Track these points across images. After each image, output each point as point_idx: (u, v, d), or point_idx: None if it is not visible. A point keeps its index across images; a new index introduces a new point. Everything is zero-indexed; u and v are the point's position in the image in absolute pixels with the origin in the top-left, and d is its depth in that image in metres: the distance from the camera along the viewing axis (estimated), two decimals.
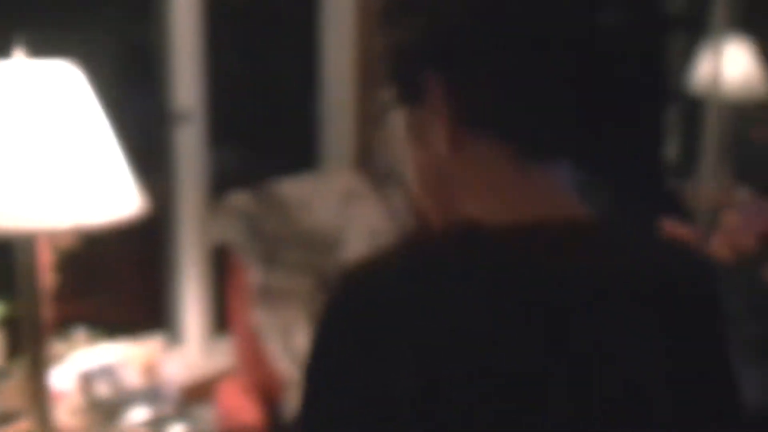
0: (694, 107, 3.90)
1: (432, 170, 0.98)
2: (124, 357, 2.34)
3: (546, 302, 0.86)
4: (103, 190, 1.88)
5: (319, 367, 0.90)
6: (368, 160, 3.40)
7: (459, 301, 0.84)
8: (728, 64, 3.47)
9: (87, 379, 2.23)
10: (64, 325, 2.39)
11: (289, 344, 2.71)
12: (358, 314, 0.89)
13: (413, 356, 0.83)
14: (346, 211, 2.94)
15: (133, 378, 2.32)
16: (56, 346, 2.30)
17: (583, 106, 0.93)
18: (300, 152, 3.57)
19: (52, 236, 2.00)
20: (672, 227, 2.96)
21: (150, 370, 2.34)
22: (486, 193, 0.95)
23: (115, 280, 3.08)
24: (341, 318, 0.91)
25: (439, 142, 0.94)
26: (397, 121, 1.02)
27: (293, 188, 2.90)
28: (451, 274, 0.86)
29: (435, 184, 0.99)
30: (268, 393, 2.71)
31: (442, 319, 0.84)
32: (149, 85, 2.97)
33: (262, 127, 3.57)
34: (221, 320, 3.04)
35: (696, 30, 4.09)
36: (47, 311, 2.02)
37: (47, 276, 2.02)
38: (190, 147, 2.90)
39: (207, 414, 2.53)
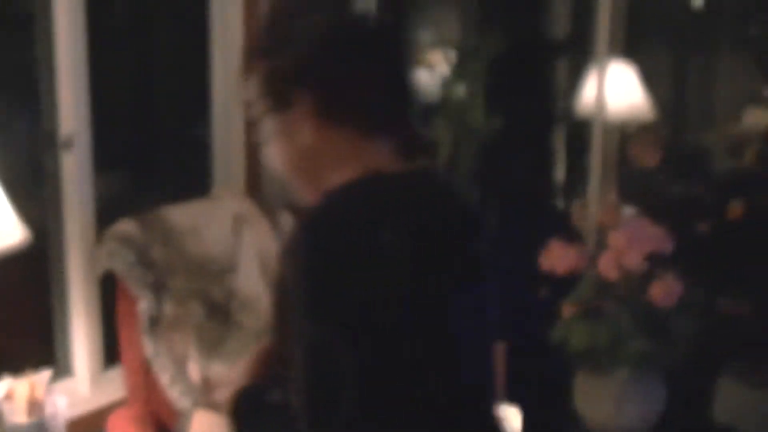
0: (579, 129, 3.99)
1: (299, 157, 1.45)
2: (8, 393, 2.25)
3: (415, 209, 1.45)
4: None
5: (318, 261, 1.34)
6: (258, 185, 3.39)
7: (383, 209, 1.41)
8: (612, 88, 3.57)
9: None
10: None
11: (180, 372, 2.66)
12: (328, 224, 1.37)
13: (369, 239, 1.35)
14: (236, 236, 2.91)
15: (17, 415, 2.23)
16: None
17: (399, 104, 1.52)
18: (189, 177, 3.52)
19: None
20: (561, 248, 3.02)
21: (35, 406, 2.25)
22: (342, 162, 1.43)
23: None
24: (319, 229, 1.37)
25: (304, 135, 1.42)
26: (267, 127, 1.46)
27: (182, 214, 2.85)
28: (371, 196, 1.42)
29: (303, 167, 1.46)
30: (159, 423, 2.65)
31: (376, 218, 1.38)
32: (31, 108, 2.89)
33: (150, 152, 3.51)
34: (111, 350, 2.96)
35: (580, 55, 4.21)
36: None
37: None
38: (74, 173, 2.82)
39: None
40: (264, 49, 1.45)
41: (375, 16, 1.50)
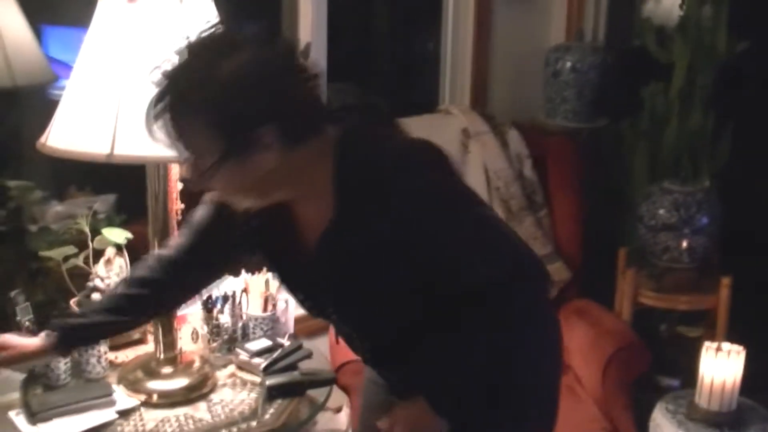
0: None
1: (267, 182, 1.52)
2: (246, 288, 2.38)
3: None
4: None
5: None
6: (484, 101, 3.39)
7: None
8: None
9: (209, 307, 2.28)
10: None
11: None
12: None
13: None
14: (464, 150, 2.92)
15: (253, 308, 2.36)
16: None
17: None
18: (418, 91, 3.56)
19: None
20: None
21: (269, 301, 2.37)
22: (307, 168, 1.54)
23: None
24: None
25: (268, 163, 1.48)
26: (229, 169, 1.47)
27: (412, 127, 2.86)
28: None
29: (262, 189, 1.54)
30: None
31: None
32: (271, 16, 2.98)
33: (379, 66, 3.56)
34: None
35: None
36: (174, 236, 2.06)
37: (175, 202, 2.06)
38: None
39: (321, 345, 2.57)
40: (211, 102, 1.44)
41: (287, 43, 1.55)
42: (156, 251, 1.93)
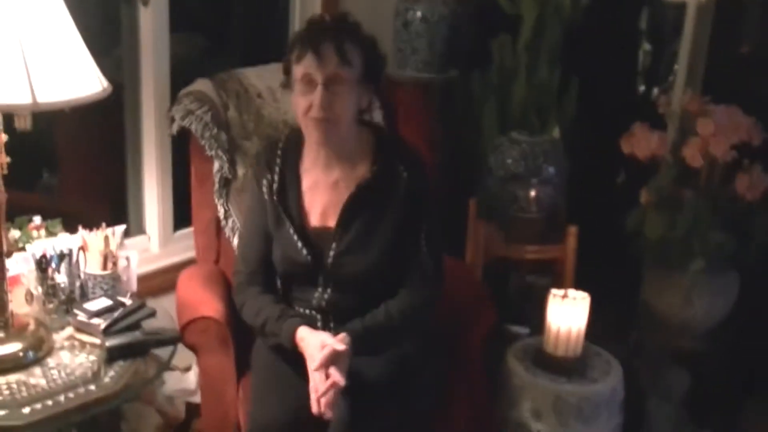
0: (669, 12, 3.82)
1: (354, 111, 2.26)
2: (83, 245, 2.27)
3: None
4: (63, 69, 1.79)
5: None
6: None
7: None
8: None
9: (44, 266, 2.16)
10: (18, 213, 2.31)
11: None
12: None
13: None
14: None
15: (91, 267, 2.26)
16: (11, 233, 2.23)
17: None
18: (265, 43, 3.47)
19: (8, 114, 1.90)
20: (644, 132, 2.90)
21: (109, 260, 2.27)
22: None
23: (73, 167, 2.99)
24: None
25: (370, 96, 2.32)
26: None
27: (259, 77, 2.80)
28: None
29: (351, 116, 2.26)
30: (226, 281, 2.67)
31: None
32: None
33: (226, 16, 3.45)
34: (180, 212, 2.97)
35: None
36: (1, 193, 1.94)
37: (1, 154, 1.93)
38: (151, 29, 2.78)
39: (167, 304, 2.48)
40: (368, 44, 2.24)
41: None
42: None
